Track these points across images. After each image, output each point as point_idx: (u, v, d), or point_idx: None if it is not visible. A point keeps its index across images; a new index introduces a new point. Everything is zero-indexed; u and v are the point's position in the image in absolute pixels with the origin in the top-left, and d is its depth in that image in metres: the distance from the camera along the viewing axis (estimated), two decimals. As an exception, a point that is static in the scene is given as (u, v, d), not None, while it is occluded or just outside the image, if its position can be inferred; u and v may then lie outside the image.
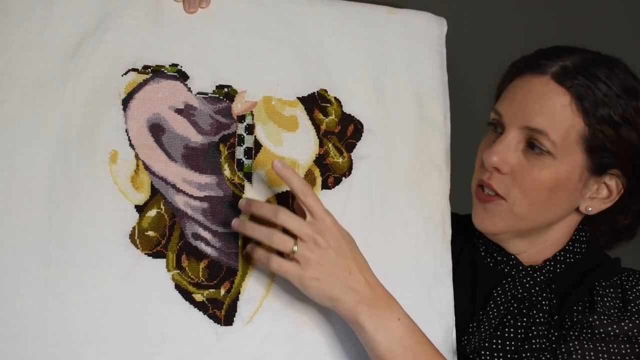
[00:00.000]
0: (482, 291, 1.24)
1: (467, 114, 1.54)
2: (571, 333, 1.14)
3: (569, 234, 1.24)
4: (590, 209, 1.19)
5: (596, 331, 1.12)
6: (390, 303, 1.05)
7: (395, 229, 1.18)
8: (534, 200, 1.16)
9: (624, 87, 1.14)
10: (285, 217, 1.03)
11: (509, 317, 1.19)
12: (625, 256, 1.27)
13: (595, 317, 1.14)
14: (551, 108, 1.14)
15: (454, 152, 1.26)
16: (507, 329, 1.18)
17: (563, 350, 1.12)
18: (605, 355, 1.11)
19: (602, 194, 1.19)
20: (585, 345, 1.12)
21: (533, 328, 1.16)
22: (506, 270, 1.24)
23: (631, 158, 1.16)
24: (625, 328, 1.12)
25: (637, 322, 1.13)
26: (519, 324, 1.18)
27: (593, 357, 1.11)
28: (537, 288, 1.21)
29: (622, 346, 1.11)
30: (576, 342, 1.12)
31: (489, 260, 1.27)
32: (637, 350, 1.11)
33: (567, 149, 1.14)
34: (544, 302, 1.19)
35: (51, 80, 1.02)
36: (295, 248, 1.02)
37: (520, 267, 1.23)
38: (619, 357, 1.11)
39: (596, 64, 1.15)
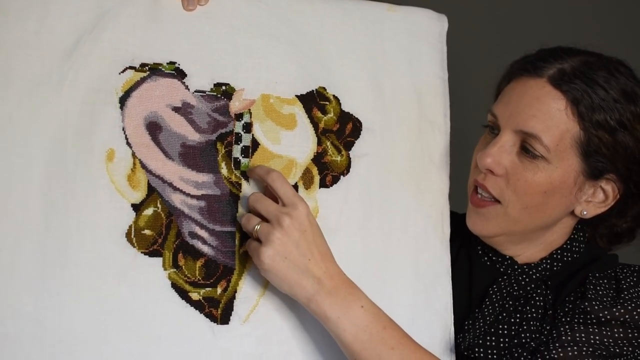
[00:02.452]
0: (479, 289, 1.24)
1: (468, 112, 1.53)
2: (563, 320, 1.13)
3: (565, 236, 1.24)
4: (585, 212, 1.18)
5: (588, 316, 1.12)
6: (352, 291, 1.04)
7: (393, 228, 1.18)
8: (528, 204, 1.15)
9: (622, 92, 1.13)
10: (256, 198, 1.05)
11: (504, 314, 1.19)
12: (625, 256, 1.26)
13: (587, 303, 1.13)
14: (546, 112, 1.13)
15: (453, 151, 1.25)
16: (501, 326, 1.18)
17: (554, 334, 1.11)
18: (597, 338, 1.09)
19: (598, 198, 1.18)
20: (576, 327, 1.11)
21: (524, 323, 1.16)
22: (502, 268, 1.24)
23: (627, 163, 1.15)
24: (617, 314, 1.11)
25: (630, 308, 1.12)
26: (513, 320, 1.18)
27: (584, 339, 1.09)
28: (532, 285, 1.21)
29: (615, 330, 1.10)
30: (567, 326, 1.12)
31: (485, 259, 1.26)
32: (629, 335, 1.10)
33: (561, 153, 1.13)
34: (538, 299, 1.18)
35: (48, 79, 1.02)
36: (258, 227, 1.03)
37: (516, 266, 1.23)
38: (611, 340, 1.10)
39: (595, 67, 1.14)
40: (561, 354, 1.08)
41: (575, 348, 1.08)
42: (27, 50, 1.02)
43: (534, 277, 1.21)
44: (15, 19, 1.03)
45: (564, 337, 1.10)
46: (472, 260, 1.28)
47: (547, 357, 1.09)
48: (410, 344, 1.04)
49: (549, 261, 1.22)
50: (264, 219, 1.04)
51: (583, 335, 1.10)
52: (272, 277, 1.03)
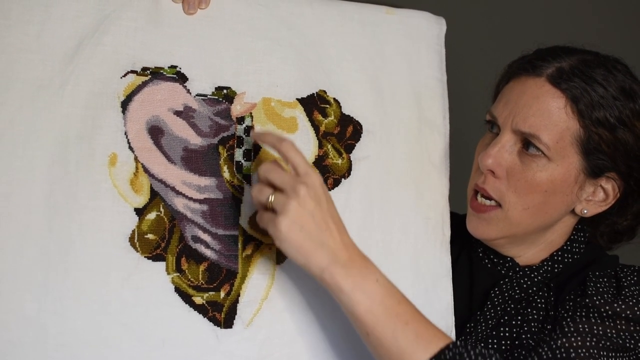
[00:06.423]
0: (480, 291, 1.25)
1: (467, 114, 1.53)
2: (565, 315, 1.14)
3: (566, 235, 1.24)
4: (586, 211, 1.19)
5: (590, 310, 1.12)
6: (367, 264, 1.02)
7: (394, 229, 1.18)
8: (529, 204, 1.16)
9: (621, 89, 1.14)
10: (268, 168, 1.00)
11: (505, 317, 1.19)
12: (625, 256, 1.27)
13: (588, 300, 1.14)
14: (545, 111, 1.14)
15: (453, 153, 1.25)
16: (502, 329, 1.18)
17: (557, 330, 1.12)
18: (600, 329, 1.10)
19: (599, 197, 1.19)
20: (578, 320, 1.11)
21: (525, 325, 1.16)
22: (503, 271, 1.24)
23: (628, 160, 1.15)
24: (619, 310, 1.12)
25: (631, 304, 1.12)
26: (514, 322, 1.18)
27: (587, 330, 1.10)
28: (534, 288, 1.21)
29: (618, 322, 1.11)
30: (569, 319, 1.12)
31: (486, 261, 1.27)
32: (632, 328, 1.11)
33: (561, 151, 1.14)
34: (539, 301, 1.19)
35: (50, 82, 1.02)
36: (272, 198, 0.99)
37: (518, 268, 1.23)
38: (614, 332, 1.10)
39: (593, 65, 1.15)
40: (565, 343, 1.08)
41: (579, 338, 1.08)
42: (28, 54, 1.02)
43: (535, 279, 1.22)
44: (17, 22, 1.03)
45: (566, 329, 1.10)
46: (473, 262, 1.28)
47: (553, 345, 1.08)
48: (423, 320, 1.02)
49: (549, 263, 1.23)
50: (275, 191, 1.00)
51: (586, 326, 1.10)
52: (287, 246, 0.98)
